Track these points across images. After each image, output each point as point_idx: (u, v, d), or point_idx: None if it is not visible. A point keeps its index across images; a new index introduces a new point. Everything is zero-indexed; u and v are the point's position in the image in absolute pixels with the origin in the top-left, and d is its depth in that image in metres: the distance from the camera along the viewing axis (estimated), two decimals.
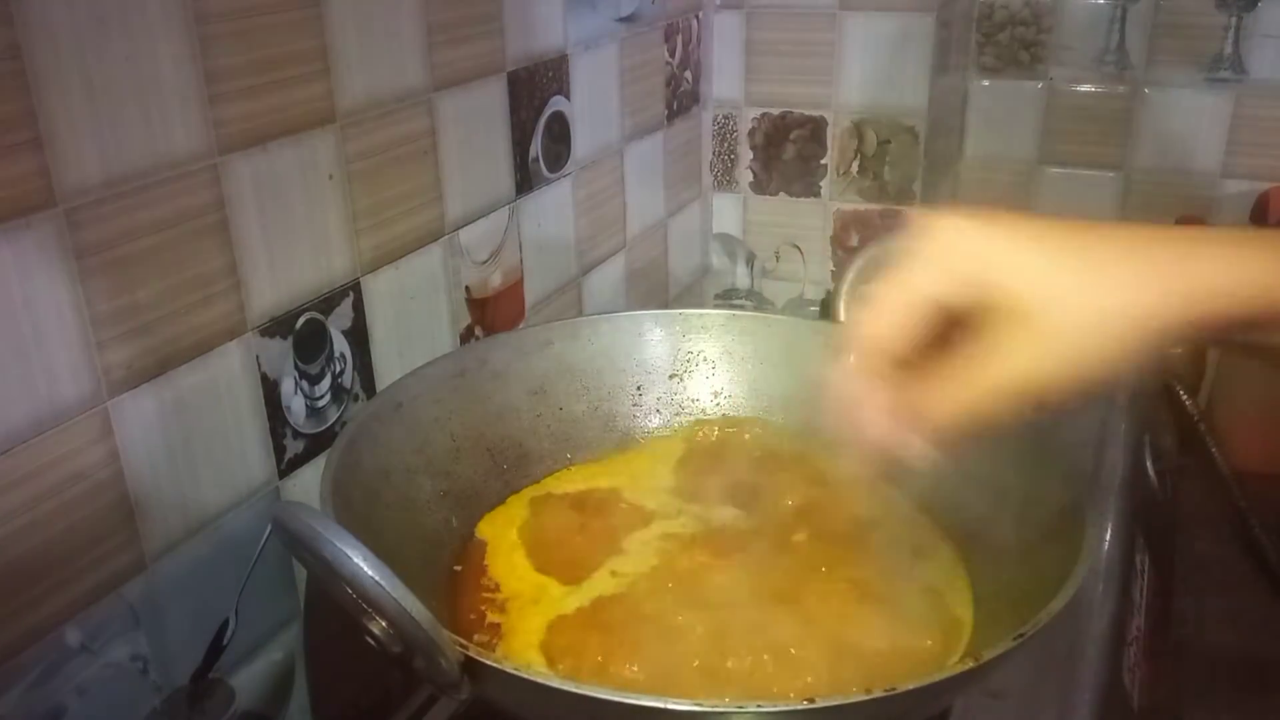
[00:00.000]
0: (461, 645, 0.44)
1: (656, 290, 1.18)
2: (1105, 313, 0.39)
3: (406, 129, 0.73)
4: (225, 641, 0.64)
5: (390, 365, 0.74)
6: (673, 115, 1.14)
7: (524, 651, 0.55)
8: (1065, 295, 0.39)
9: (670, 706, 0.41)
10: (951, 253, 0.41)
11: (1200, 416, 1.06)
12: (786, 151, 1.25)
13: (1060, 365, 0.39)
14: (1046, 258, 0.40)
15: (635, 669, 0.52)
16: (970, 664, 0.44)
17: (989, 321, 0.40)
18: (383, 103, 0.70)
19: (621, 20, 1.00)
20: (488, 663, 0.44)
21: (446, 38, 0.75)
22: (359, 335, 0.71)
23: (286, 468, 0.66)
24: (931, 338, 0.42)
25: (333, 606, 0.44)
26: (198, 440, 0.60)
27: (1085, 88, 1.35)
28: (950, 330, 0.42)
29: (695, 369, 0.74)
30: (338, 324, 0.69)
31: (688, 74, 1.17)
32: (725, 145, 1.27)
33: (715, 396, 0.74)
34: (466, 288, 0.83)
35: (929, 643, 0.55)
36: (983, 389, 0.41)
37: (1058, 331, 0.39)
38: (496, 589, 0.60)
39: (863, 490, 0.67)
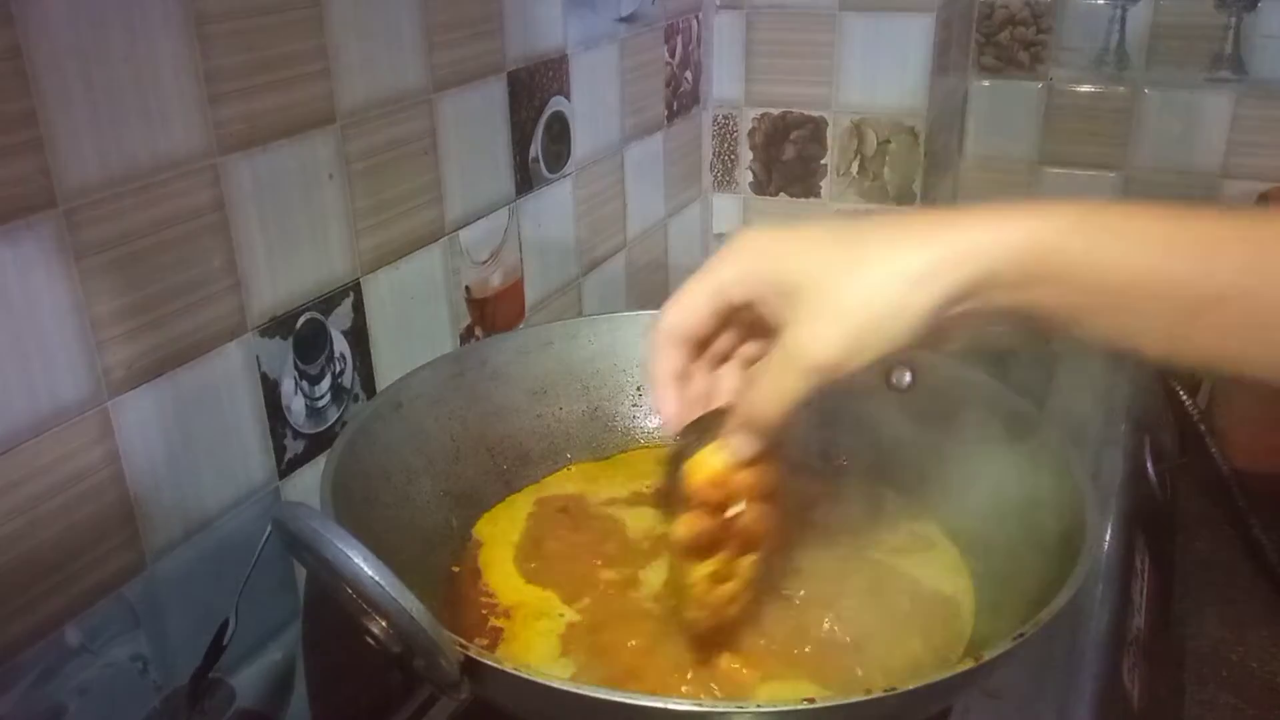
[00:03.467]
0: (461, 645, 0.44)
1: (656, 290, 1.18)
2: (877, 283, 0.42)
3: (406, 129, 0.73)
4: (225, 641, 0.64)
5: (390, 365, 0.74)
6: (673, 115, 1.15)
7: (523, 654, 0.55)
8: (840, 274, 0.42)
9: (670, 706, 0.41)
10: (745, 253, 0.45)
11: (1200, 416, 1.06)
12: (786, 152, 1.25)
13: (843, 338, 0.42)
14: (823, 245, 0.43)
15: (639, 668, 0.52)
16: (970, 664, 0.44)
17: (783, 311, 0.44)
18: (383, 103, 0.70)
19: (621, 20, 1.00)
20: (488, 663, 0.44)
21: (446, 38, 0.75)
22: (359, 335, 0.71)
23: (286, 468, 0.66)
24: (743, 331, 0.48)
25: (333, 606, 0.44)
26: (198, 440, 0.60)
27: (1085, 88, 1.35)
28: (757, 330, 0.46)
29: None
30: (338, 324, 0.69)
31: (688, 74, 1.17)
32: (725, 145, 1.27)
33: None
34: (466, 288, 0.83)
35: (929, 643, 0.55)
36: (791, 366, 0.44)
37: (836, 307, 0.42)
38: (494, 592, 0.60)
39: (863, 490, 0.67)
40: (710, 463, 0.47)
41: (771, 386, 0.45)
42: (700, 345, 0.49)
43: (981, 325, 0.44)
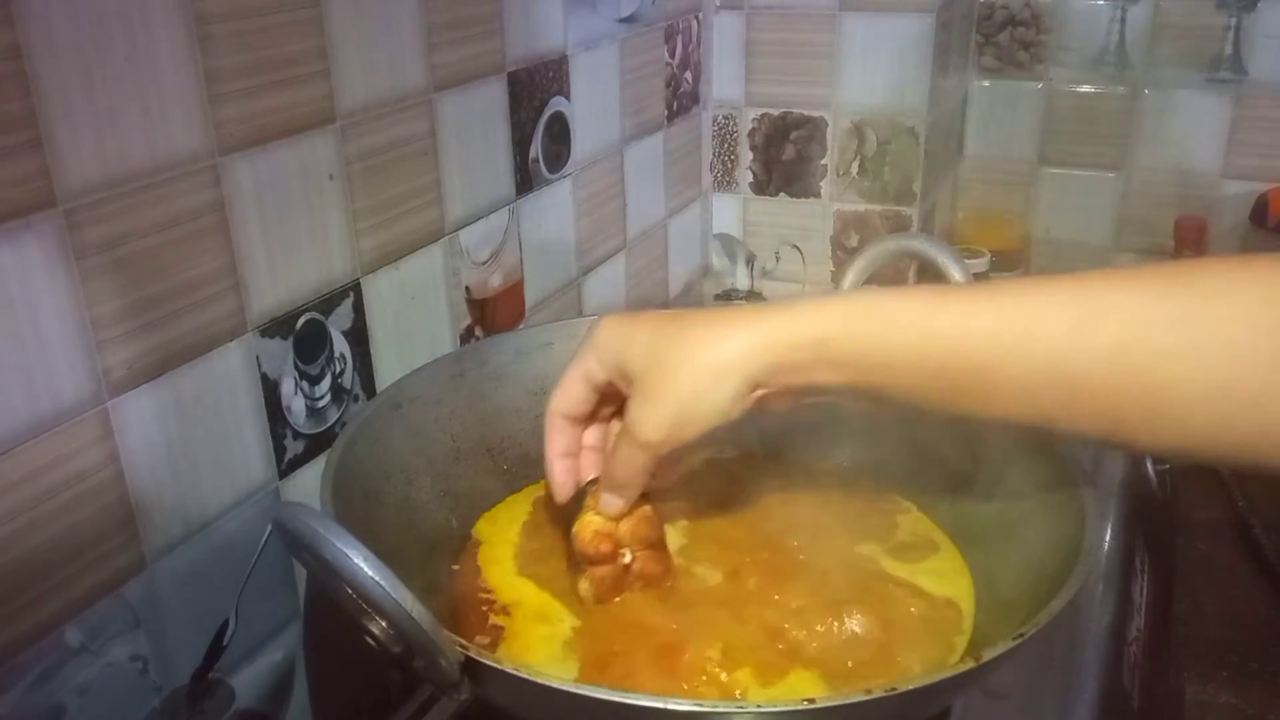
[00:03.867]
0: (461, 645, 0.44)
1: (656, 290, 1.18)
2: (690, 375, 0.49)
3: (406, 129, 0.73)
4: (225, 641, 0.64)
5: (390, 365, 0.74)
6: (673, 116, 1.15)
7: (525, 654, 0.55)
8: (664, 365, 0.50)
9: (670, 706, 0.41)
10: (600, 341, 0.54)
11: None
12: (786, 152, 1.25)
13: (666, 419, 0.50)
14: (655, 338, 0.51)
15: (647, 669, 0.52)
16: (970, 664, 0.44)
17: (627, 391, 0.52)
18: (383, 103, 0.70)
19: (621, 21, 1.00)
20: (488, 663, 0.44)
21: (446, 38, 0.75)
22: (359, 335, 0.71)
23: (286, 468, 0.66)
24: (611, 399, 0.56)
25: (333, 606, 0.44)
26: (198, 440, 0.60)
27: (1085, 88, 1.35)
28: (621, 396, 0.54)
29: None
30: (338, 324, 0.69)
31: (688, 74, 1.17)
32: (725, 146, 1.27)
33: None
34: (467, 288, 0.83)
35: (929, 643, 0.55)
36: (626, 444, 0.52)
37: (659, 394, 0.50)
38: (494, 591, 0.60)
39: (863, 490, 0.67)
40: (590, 522, 0.56)
41: (619, 458, 0.53)
42: (585, 419, 0.57)
43: (800, 399, 0.52)
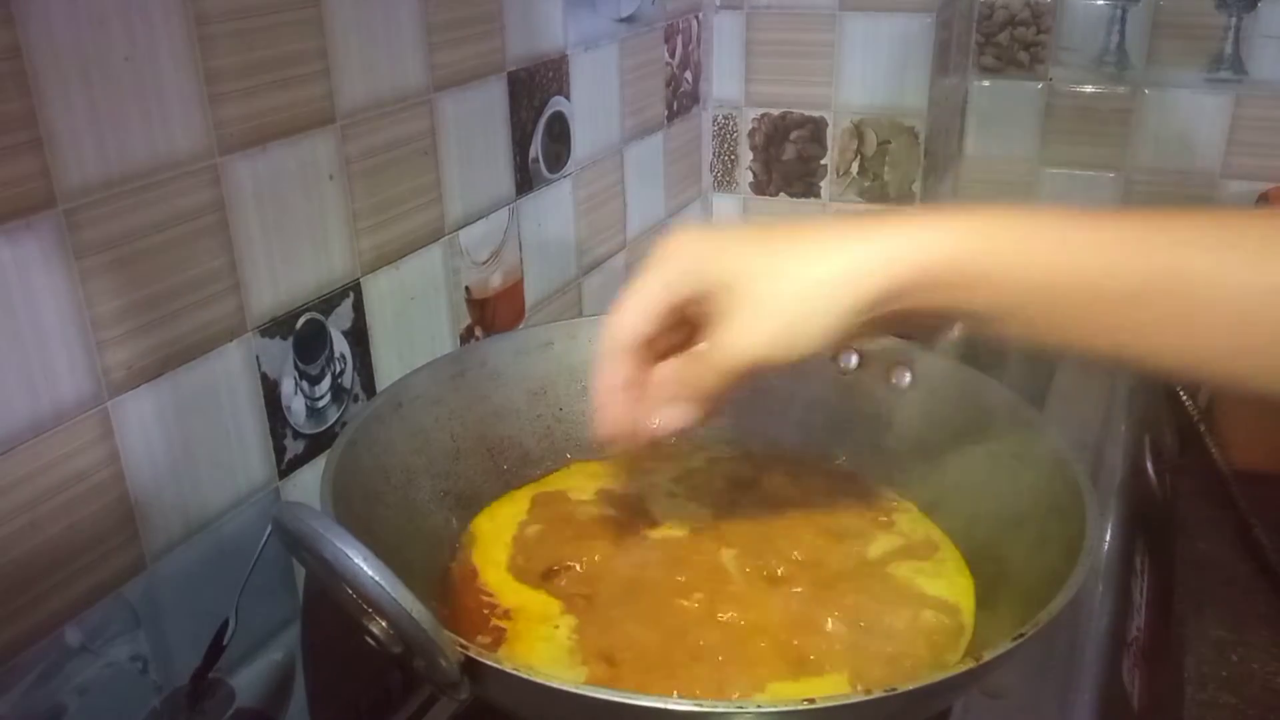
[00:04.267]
0: (462, 645, 0.44)
1: None
2: (802, 286, 0.44)
3: (406, 129, 0.73)
4: (225, 641, 0.64)
5: (390, 365, 0.74)
6: (673, 115, 1.15)
7: (527, 655, 0.55)
8: (767, 276, 0.44)
9: (670, 706, 0.41)
10: (682, 253, 0.47)
11: (1200, 416, 1.06)
12: (786, 152, 1.25)
13: (768, 336, 0.45)
14: (753, 248, 0.45)
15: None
16: (970, 664, 0.44)
17: (715, 308, 0.46)
18: (383, 103, 0.70)
19: (621, 20, 1.00)
20: (488, 663, 0.44)
21: (446, 38, 0.75)
22: (359, 335, 0.71)
23: (286, 468, 0.66)
24: (680, 329, 0.49)
25: (332, 606, 0.44)
26: (198, 440, 0.60)
27: (1085, 88, 1.35)
28: (697, 323, 0.48)
29: None
30: (338, 324, 0.69)
31: (688, 74, 1.17)
32: (725, 145, 1.27)
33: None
34: (466, 288, 0.83)
35: (929, 643, 0.55)
36: (711, 364, 0.46)
37: (768, 301, 0.44)
38: (494, 592, 0.59)
39: (863, 490, 0.67)
40: None
41: (698, 378, 0.47)
42: (647, 349, 0.49)
43: (912, 323, 0.47)
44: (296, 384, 0.66)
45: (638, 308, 0.48)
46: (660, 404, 0.49)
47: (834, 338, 0.44)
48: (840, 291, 0.43)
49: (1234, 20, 1.26)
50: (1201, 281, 0.41)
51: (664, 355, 0.50)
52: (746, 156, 1.27)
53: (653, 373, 0.50)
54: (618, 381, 0.49)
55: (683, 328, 0.49)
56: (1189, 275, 0.41)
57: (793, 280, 0.44)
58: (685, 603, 0.57)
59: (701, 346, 0.47)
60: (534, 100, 0.87)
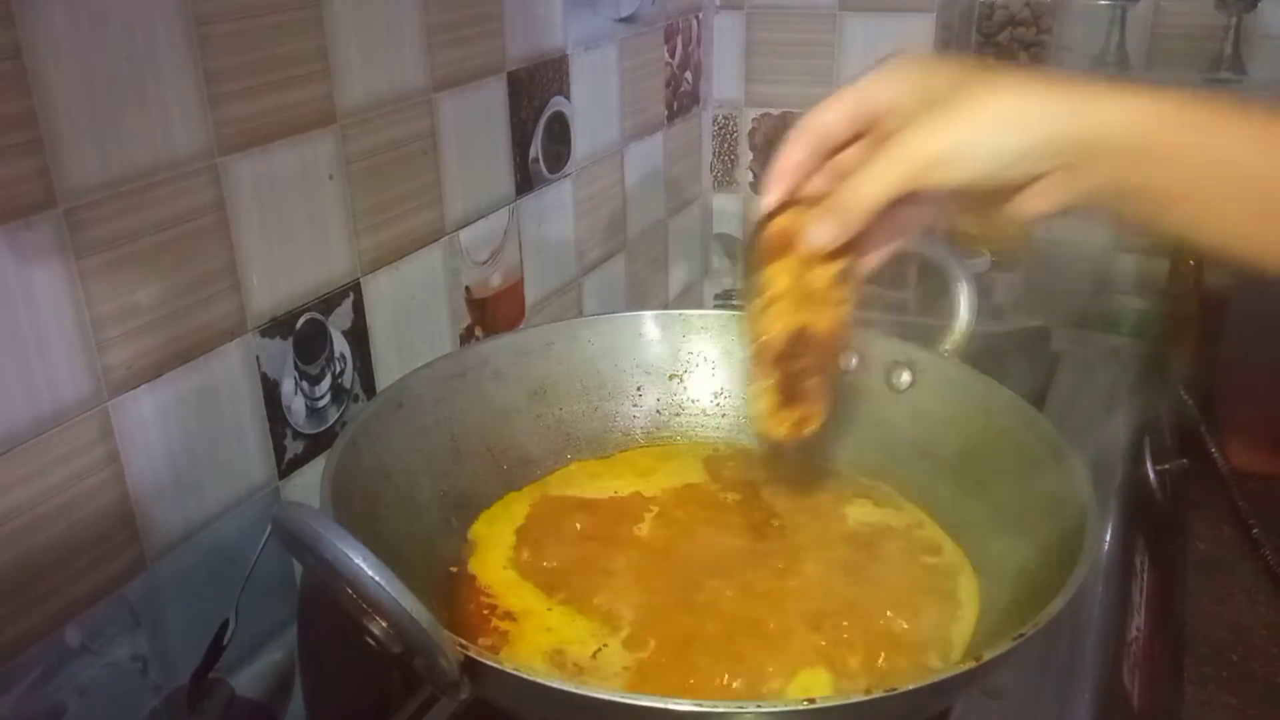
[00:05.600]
0: (461, 645, 0.44)
1: (656, 290, 1.18)
2: (1007, 108, 0.45)
3: (406, 129, 0.73)
4: (225, 641, 0.63)
5: (390, 365, 0.74)
6: (673, 115, 1.15)
7: (529, 656, 0.55)
8: (976, 93, 0.45)
9: (670, 706, 0.41)
10: (900, 67, 0.48)
11: (1200, 416, 1.06)
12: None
13: (951, 142, 0.45)
14: (968, 71, 0.46)
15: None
16: (970, 664, 0.44)
17: (911, 116, 0.47)
18: (383, 103, 0.70)
19: (621, 20, 1.00)
20: (488, 663, 0.44)
21: (446, 38, 0.75)
22: (359, 335, 0.71)
23: (286, 468, 0.66)
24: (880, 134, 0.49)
25: (330, 606, 0.44)
26: (198, 440, 0.60)
27: None
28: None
29: (695, 370, 0.74)
30: (338, 324, 0.69)
31: (688, 74, 1.17)
32: (725, 145, 1.27)
33: (715, 397, 0.74)
34: (466, 288, 0.83)
35: (929, 642, 0.55)
36: (899, 159, 0.47)
37: (966, 116, 0.45)
38: (494, 593, 0.59)
39: (864, 490, 0.67)
40: (783, 224, 0.50)
41: (866, 172, 0.47)
42: (830, 150, 0.51)
43: (1069, 205, 0.46)
44: (296, 384, 0.66)
45: (833, 105, 0.50)
46: (831, 183, 0.49)
47: (1000, 172, 0.45)
48: (1024, 127, 0.44)
49: (1234, 20, 1.26)
50: None
51: (837, 171, 0.51)
52: (746, 156, 1.27)
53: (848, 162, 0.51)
54: (792, 161, 0.51)
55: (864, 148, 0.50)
56: None
57: (985, 101, 0.45)
58: (687, 601, 0.57)
59: (890, 144, 0.47)
60: (534, 100, 0.87)
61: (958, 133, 0.45)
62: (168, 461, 0.58)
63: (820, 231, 0.49)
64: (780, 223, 0.51)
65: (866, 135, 0.50)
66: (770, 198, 0.52)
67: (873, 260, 0.53)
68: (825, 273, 0.51)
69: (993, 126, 0.45)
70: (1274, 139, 0.43)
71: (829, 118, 0.50)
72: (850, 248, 0.50)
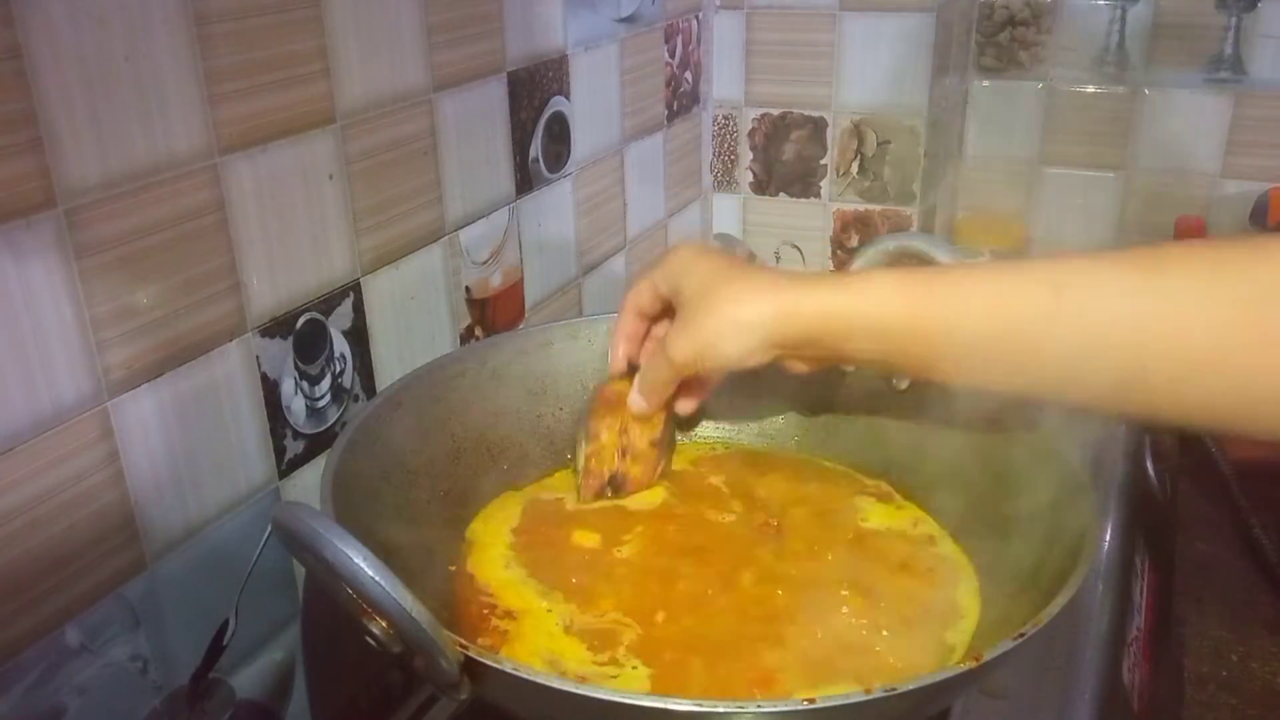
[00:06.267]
0: (462, 645, 0.44)
1: None
2: (727, 316, 0.55)
3: (406, 129, 0.73)
4: (225, 641, 0.64)
5: (390, 365, 0.74)
6: (673, 115, 1.15)
7: (530, 656, 0.55)
8: (706, 301, 0.56)
9: (670, 707, 0.41)
10: (669, 262, 0.60)
11: None
12: (786, 152, 1.25)
13: (693, 347, 0.57)
14: (710, 276, 0.57)
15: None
16: (970, 664, 0.44)
17: (677, 310, 0.59)
18: (383, 103, 0.70)
19: (621, 20, 1.00)
20: (488, 663, 0.44)
21: (446, 38, 0.75)
22: (359, 335, 0.71)
23: (286, 468, 0.66)
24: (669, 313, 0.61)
25: (332, 606, 0.44)
26: (198, 440, 0.60)
27: (1085, 88, 1.35)
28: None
29: None
30: (338, 324, 0.69)
31: (688, 74, 1.17)
32: (725, 145, 1.27)
33: (715, 397, 0.74)
34: (466, 288, 0.83)
35: (929, 643, 0.55)
36: (659, 354, 0.60)
37: (695, 324, 0.57)
38: (494, 592, 0.59)
39: (863, 490, 0.67)
40: (618, 387, 0.65)
41: (652, 363, 0.62)
42: (649, 318, 0.64)
43: (816, 364, 0.58)
44: (296, 384, 0.66)
45: (639, 290, 0.63)
46: (653, 376, 0.63)
47: (741, 364, 0.56)
48: (745, 331, 0.55)
49: (1234, 20, 1.26)
50: (1030, 324, 0.49)
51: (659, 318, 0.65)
52: (746, 156, 1.27)
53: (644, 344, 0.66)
54: (625, 331, 0.65)
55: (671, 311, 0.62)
56: (1024, 318, 0.49)
57: (714, 311, 0.56)
58: (686, 601, 0.57)
59: (667, 337, 0.59)
60: (534, 100, 0.87)
61: (702, 336, 0.56)
62: (168, 461, 0.58)
63: (636, 402, 0.63)
64: (615, 386, 0.65)
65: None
66: (617, 366, 0.65)
67: (690, 405, 0.66)
68: (642, 434, 0.65)
69: (725, 330, 0.55)
70: (979, 293, 0.50)
71: (642, 299, 0.62)
72: (665, 408, 0.64)
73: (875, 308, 0.52)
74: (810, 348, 0.55)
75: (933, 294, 0.51)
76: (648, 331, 0.65)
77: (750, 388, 0.74)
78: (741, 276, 0.56)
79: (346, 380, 0.70)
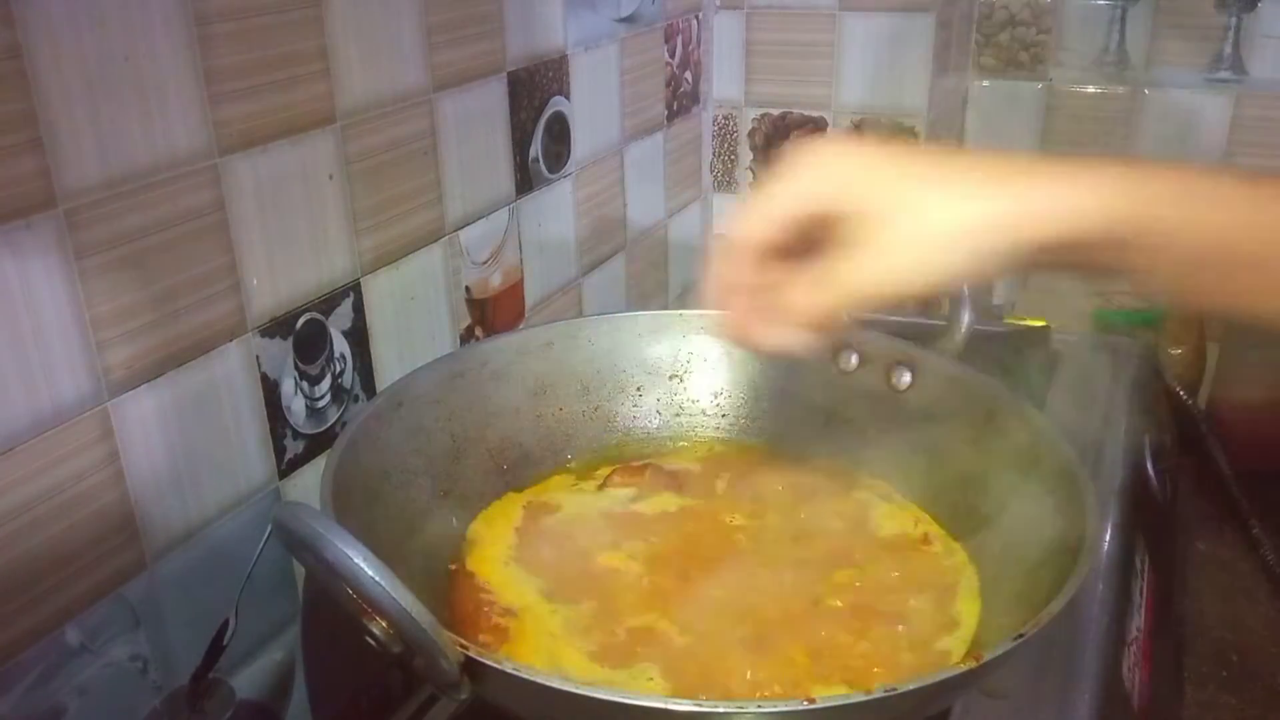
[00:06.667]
0: (462, 645, 0.44)
1: (656, 290, 1.18)
2: (951, 223, 0.41)
3: (406, 129, 0.73)
4: (225, 641, 0.63)
5: (390, 365, 0.74)
6: (673, 115, 1.15)
7: (530, 656, 0.54)
8: (915, 206, 0.42)
9: (670, 707, 0.41)
10: (822, 167, 0.44)
11: (1200, 416, 1.06)
12: (787, 152, 1.25)
13: (906, 269, 0.42)
14: (903, 173, 0.43)
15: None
16: (970, 664, 0.44)
17: (852, 230, 0.43)
18: (383, 103, 0.70)
19: (621, 20, 1.00)
20: (488, 663, 0.44)
21: (446, 38, 0.75)
22: (359, 335, 0.71)
23: (287, 468, 0.66)
24: (805, 244, 0.45)
25: (332, 606, 0.44)
26: (198, 440, 0.60)
27: (1085, 88, 1.35)
28: (824, 239, 0.45)
29: (695, 370, 0.74)
30: (338, 324, 0.69)
31: (688, 74, 1.17)
32: (725, 145, 1.27)
33: (715, 397, 0.74)
34: (466, 288, 0.83)
35: (930, 643, 0.55)
36: (837, 288, 0.44)
37: (905, 238, 0.42)
38: (494, 591, 0.59)
39: (863, 490, 0.67)
40: None
41: (821, 303, 0.45)
42: (767, 255, 0.47)
43: (1062, 273, 0.44)
44: (296, 384, 0.66)
45: (767, 214, 0.46)
46: (780, 322, 0.47)
47: (970, 278, 0.43)
48: (983, 241, 0.41)
49: (1234, 20, 1.26)
50: None
51: (783, 259, 0.47)
52: (746, 156, 1.27)
53: (776, 291, 0.46)
54: (734, 283, 0.48)
55: (803, 237, 0.46)
56: None
57: (936, 221, 0.42)
58: (686, 601, 0.57)
59: (827, 267, 0.44)
60: (534, 100, 0.87)
61: (907, 262, 0.42)
62: (168, 461, 0.58)
63: (785, 341, 0.47)
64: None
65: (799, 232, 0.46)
66: (731, 336, 0.50)
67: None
68: None
69: (941, 250, 0.42)
70: (1249, 211, 0.41)
71: (753, 235, 0.46)
72: None
73: (1157, 218, 0.40)
74: (1062, 258, 0.42)
75: (1225, 206, 0.41)
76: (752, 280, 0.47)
77: (752, 388, 0.74)
78: (948, 166, 0.43)
79: (346, 380, 0.70)
